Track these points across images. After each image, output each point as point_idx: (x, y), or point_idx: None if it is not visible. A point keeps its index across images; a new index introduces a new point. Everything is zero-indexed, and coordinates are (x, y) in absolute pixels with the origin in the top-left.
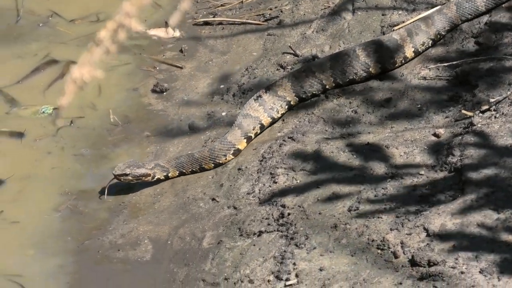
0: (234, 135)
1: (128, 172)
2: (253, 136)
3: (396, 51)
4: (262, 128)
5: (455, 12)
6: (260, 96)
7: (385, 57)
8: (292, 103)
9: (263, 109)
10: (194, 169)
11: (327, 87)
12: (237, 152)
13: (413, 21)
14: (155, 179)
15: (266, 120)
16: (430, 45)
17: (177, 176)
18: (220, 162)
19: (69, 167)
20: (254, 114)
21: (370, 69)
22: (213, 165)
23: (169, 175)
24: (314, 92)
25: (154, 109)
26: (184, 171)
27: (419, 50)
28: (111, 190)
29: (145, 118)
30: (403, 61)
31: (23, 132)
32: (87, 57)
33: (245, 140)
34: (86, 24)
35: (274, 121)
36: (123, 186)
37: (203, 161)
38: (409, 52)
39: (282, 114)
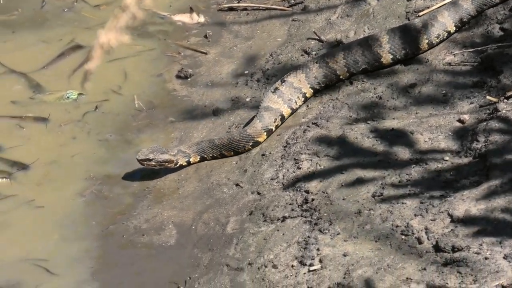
0: (254, 128)
1: (151, 158)
2: (274, 129)
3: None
4: (283, 119)
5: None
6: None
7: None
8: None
9: (282, 100)
10: (214, 155)
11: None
12: (256, 144)
13: (439, 7)
14: (177, 165)
15: (286, 111)
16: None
17: (199, 162)
18: (239, 151)
19: (94, 152)
20: (275, 106)
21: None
22: (232, 153)
23: (191, 160)
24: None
25: (178, 95)
26: (205, 156)
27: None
28: (132, 175)
29: (169, 104)
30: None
31: (48, 117)
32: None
33: (265, 133)
34: (111, 9)
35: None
36: (147, 172)
37: (223, 148)
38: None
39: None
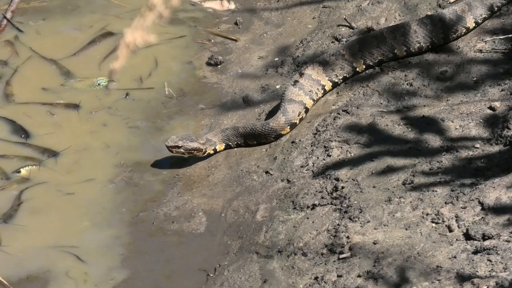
0: (277, 122)
1: (180, 145)
2: (298, 122)
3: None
4: (307, 111)
5: None
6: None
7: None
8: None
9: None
10: (239, 143)
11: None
12: (279, 136)
13: None
14: (205, 154)
15: (309, 103)
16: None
17: (224, 149)
18: (262, 142)
19: (124, 139)
20: (298, 98)
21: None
22: (255, 142)
23: (217, 148)
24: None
25: (208, 82)
26: (230, 144)
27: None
28: (162, 163)
29: (199, 91)
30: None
31: (79, 104)
32: (140, 22)
33: (288, 127)
34: None
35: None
36: (177, 159)
37: (246, 137)
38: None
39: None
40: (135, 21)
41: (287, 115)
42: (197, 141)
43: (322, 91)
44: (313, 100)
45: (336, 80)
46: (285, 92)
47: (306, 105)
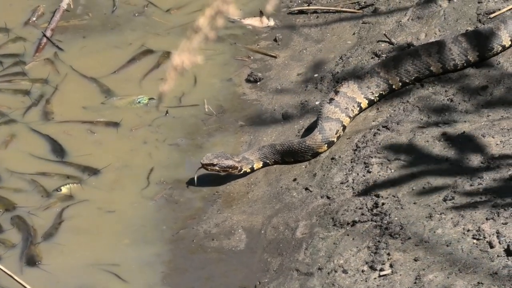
0: (314, 140)
1: (215, 162)
2: (335, 140)
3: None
4: (345, 129)
5: None
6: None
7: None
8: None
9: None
10: (276, 160)
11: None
12: (316, 155)
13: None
14: (241, 172)
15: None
16: None
17: (262, 167)
18: (299, 160)
19: (164, 157)
20: (334, 116)
21: (431, 68)
22: (292, 159)
23: (254, 167)
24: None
25: (248, 99)
26: (267, 161)
27: None
28: (202, 180)
29: (239, 108)
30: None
31: (119, 122)
32: (187, 44)
33: (325, 145)
34: (182, 14)
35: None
36: (217, 176)
37: (283, 154)
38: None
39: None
40: (182, 43)
41: (324, 133)
42: (232, 159)
43: (358, 108)
44: (350, 117)
45: (372, 98)
46: (321, 110)
47: (343, 123)
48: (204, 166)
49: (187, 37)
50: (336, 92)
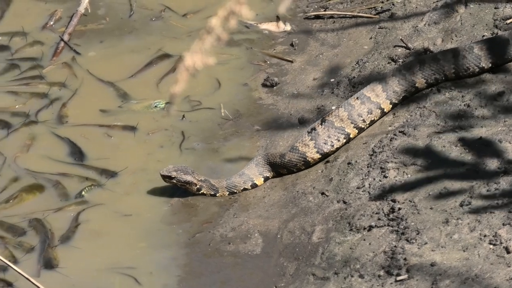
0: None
1: (173, 176)
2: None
3: None
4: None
5: None
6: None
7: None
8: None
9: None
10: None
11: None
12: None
13: None
14: (200, 191)
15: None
16: None
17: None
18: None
19: (180, 161)
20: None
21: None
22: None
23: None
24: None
25: (264, 103)
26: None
27: None
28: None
29: (255, 112)
30: None
31: (136, 126)
32: (199, 45)
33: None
34: (199, 18)
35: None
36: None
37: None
38: None
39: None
40: (194, 44)
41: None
42: (192, 174)
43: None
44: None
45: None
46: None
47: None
48: (162, 177)
49: (201, 41)
50: (323, 121)
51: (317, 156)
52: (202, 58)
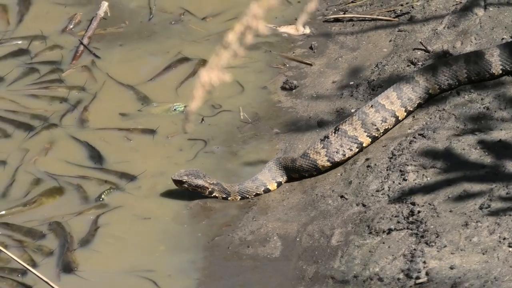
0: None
1: (184, 180)
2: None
3: None
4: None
5: None
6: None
7: None
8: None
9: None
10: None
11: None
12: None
13: None
14: (212, 195)
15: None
16: None
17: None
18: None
19: (200, 164)
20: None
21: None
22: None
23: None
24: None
25: (283, 106)
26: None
27: None
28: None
29: (274, 115)
30: None
31: (155, 129)
32: (215, 61)
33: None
34: (218, 22)
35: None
36: None
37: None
38: None
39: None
40: (210, 60)
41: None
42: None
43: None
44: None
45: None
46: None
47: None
48: (174, 181)
49: (215, 53)
50: (336, 130)
51: (328, 164)
52: (218, 74)
